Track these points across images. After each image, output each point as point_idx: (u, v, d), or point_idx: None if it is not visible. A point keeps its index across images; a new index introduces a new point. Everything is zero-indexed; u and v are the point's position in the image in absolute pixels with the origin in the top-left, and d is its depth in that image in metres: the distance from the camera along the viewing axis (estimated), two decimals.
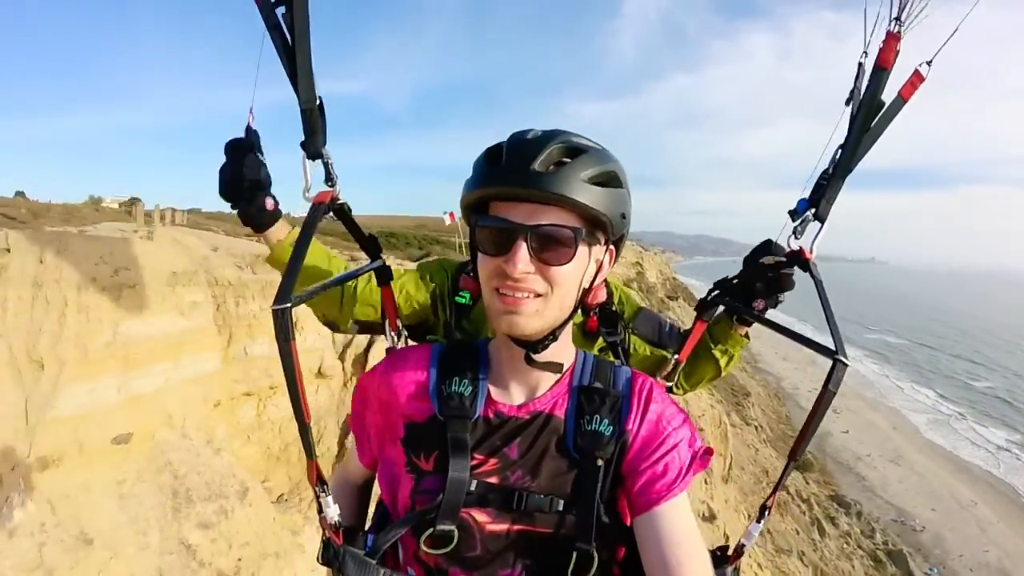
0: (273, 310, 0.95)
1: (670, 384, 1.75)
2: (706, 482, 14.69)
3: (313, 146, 1.31)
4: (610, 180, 1.07)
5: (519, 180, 1.01)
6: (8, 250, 3.67)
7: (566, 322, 1.13)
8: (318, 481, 1.10)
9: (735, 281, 1.67)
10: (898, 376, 50.74)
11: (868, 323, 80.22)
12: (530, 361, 1.12)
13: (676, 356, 1.71)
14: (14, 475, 3.34)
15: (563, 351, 1.18)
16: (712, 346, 1.74)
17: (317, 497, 1.12)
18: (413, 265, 2.13)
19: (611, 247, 1.16)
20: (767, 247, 1.56)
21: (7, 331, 3.49)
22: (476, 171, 1.09)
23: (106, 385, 3.90)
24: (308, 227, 1.17)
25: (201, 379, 4.92)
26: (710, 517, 13.33)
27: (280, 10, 1.22)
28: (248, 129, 1.44)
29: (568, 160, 1.03)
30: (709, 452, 1.16)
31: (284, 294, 0.97)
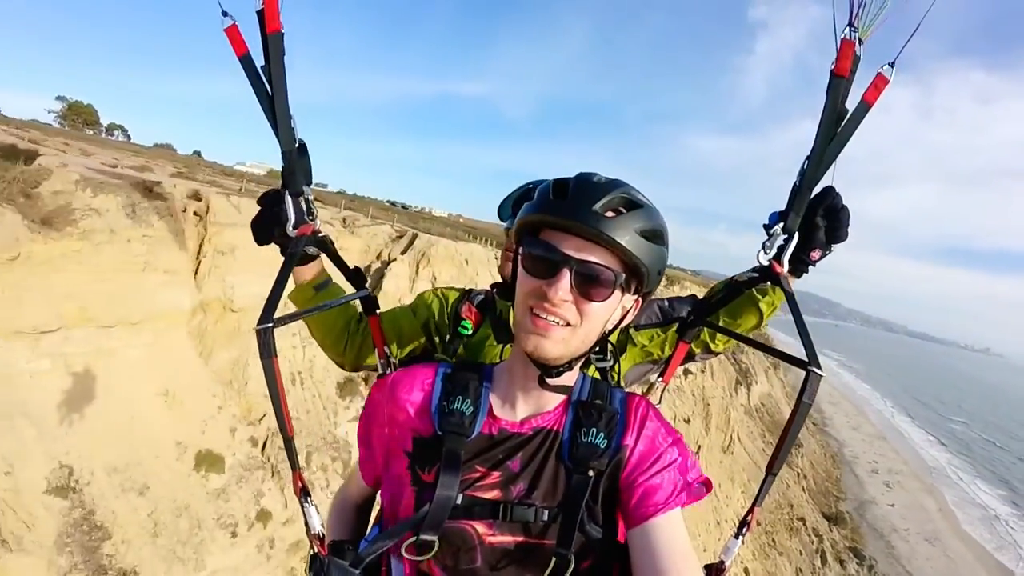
0: (256, 330, 1.06)
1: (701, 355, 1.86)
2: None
3: (294, 185, 1.40)
4: (657, 237, 1.13)
5: (581, 216, 1.06)
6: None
7: (584, 355, 1.18)
8: (302, 492, 1.17)
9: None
10: (963, 468, 51.34)
11: (951, 413, 78.28)
12: (543, 383, 1.17)
13: (660, 379, 1.74)
14: None
15: (573, 375, 1.23)
16: (759, 298, 1.69)
17: (302, 507, 1.17)
18: None
19: (639, 298, 1.20)
20: (829, 193, 1.45)
21: None
22: (541, 198, 1.14)
23: None
24: (291, 256, 1.32)
25: None
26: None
27: (260, 63, 1.30)
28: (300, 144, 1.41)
29: (625, 211, 1.10)
30: (707, 485, 1.17)
31: (267, 315, 1.08)
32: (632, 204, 1.11)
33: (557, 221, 1.10)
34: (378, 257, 14.79)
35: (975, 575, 30.33)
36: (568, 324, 1.10)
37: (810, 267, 1.53)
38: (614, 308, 1.15)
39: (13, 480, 6.11)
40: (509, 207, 1.98)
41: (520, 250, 1.16)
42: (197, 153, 59.42)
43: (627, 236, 1.07)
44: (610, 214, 1.08)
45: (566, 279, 1.06)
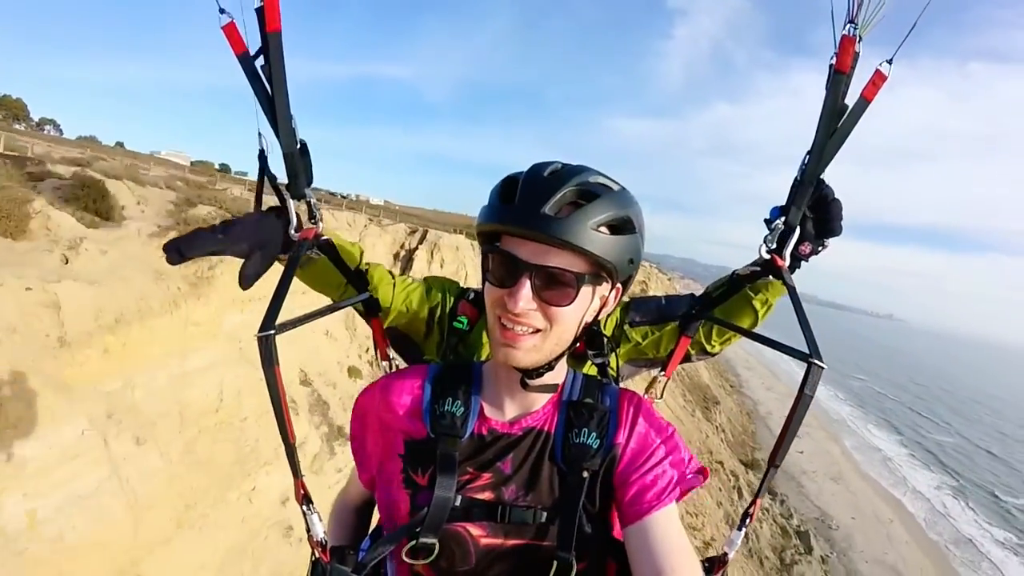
0: (258, 337, 0.98)
1: (707, 348, 1.77)
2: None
3: (296, 188, 1.33)
4: (622, 226, 1.06)
5: (529, 222, 1.00)
6: None
7: (563, 354, 1.15)
8: (304, 499, 1.13)
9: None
10: (861, 419, 56.93)
11: (852, 372, 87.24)
12: (525, 385, 1.15)
13: (663, 373, 1.71)
14: None
15: (557, 374, 1.19)
16: (752, 296, 1.64)
17: (304, 516, 1.13)
18: None
19: (618, 286, 1.15)
20: (819, 184, 1.38)
21: None
22: (491, 203, 1.09)
23: None
24: (292, 262, 1.24)
25: None
26: None
27: (259, 61, 1.24)
28: (260, 152, 1.33)
29: (582, 203, 1.02)
30: (703, 472, 1.17)
31: (269, 322, 1.01)
32: (589, 195, 1.04)
33: (509, 229, 1.06)
34: (402, 247, 21.10)
35: (872, 505, 33.85)
36: (537, 330, 1.07)
37: (801, 262, 1.47)
38: (586, 305, 1.10)
39: (286, 375, 10.19)
40: None
41: (483, 257, 1.12)
42: (120, 144, 57.68)
43: (584, 233, 1.00)
44: (565, 211, 1.02)
45: (526, 287, 1.02)
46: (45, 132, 44.38)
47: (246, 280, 1.29)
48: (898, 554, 28.76)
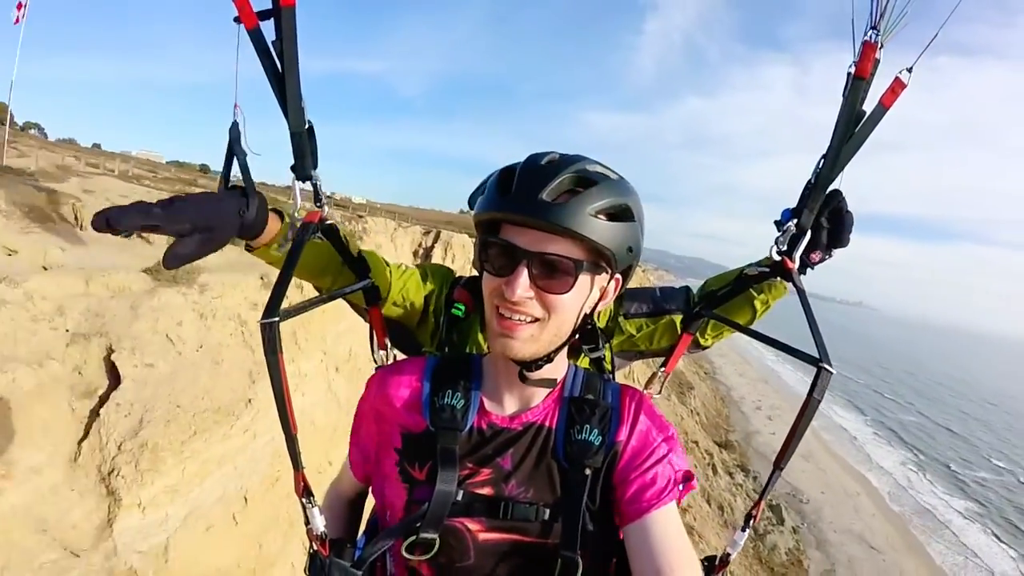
0: (261, 324, 0.95)
1: (699, 341, 1.76)
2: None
3: (303, 169, 1.31)
4: (621, 213, 1.05)
5: (526, 209, 1.00)
6: None
7: (562, 346, 1.13)
8: (304, 492, 1.10)
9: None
10: (829, 401, 58.05)
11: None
12: (523, 378, 1.13)
13: (663, 369, 1.69)
14: None
15: (557, 368, 1.18)
16: (755, 295, 1.64)
17: (304, 508, 1.10)
18: None
19: (617, 276, 1.14)
20: (835, 196, 1.40)
21: None
22: (488, 192, 1.09)
23: None
24: (297, 246, 1.19)
25: None
26: None
27: (270, 38, 1.20)
28: (233, 124, 1.25)
29: (580, 190, 1.02)
30: (689, 476, 1.16)
31: (272, 309, 0.97)
32: (586, 182, 1.03)
33: (505, 217, 1.06)
34: (420, 245, 23.50)
35: (840, 480, 35.53)
36: (535, 319, 1.06)
37: (808, 269, 1.49)
38: (585, 294, 1.09)
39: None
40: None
41: (480, 247, 1.11)
42: (97, 145, 56.83)
43: (582, 219, 0.99)
44: (563, 198, 1.01)
45: (523, 275, 1.02)
46: (33, 136, 43.75)
47: (172, 259, 1.14)
48: (865, 524, 30.17)
